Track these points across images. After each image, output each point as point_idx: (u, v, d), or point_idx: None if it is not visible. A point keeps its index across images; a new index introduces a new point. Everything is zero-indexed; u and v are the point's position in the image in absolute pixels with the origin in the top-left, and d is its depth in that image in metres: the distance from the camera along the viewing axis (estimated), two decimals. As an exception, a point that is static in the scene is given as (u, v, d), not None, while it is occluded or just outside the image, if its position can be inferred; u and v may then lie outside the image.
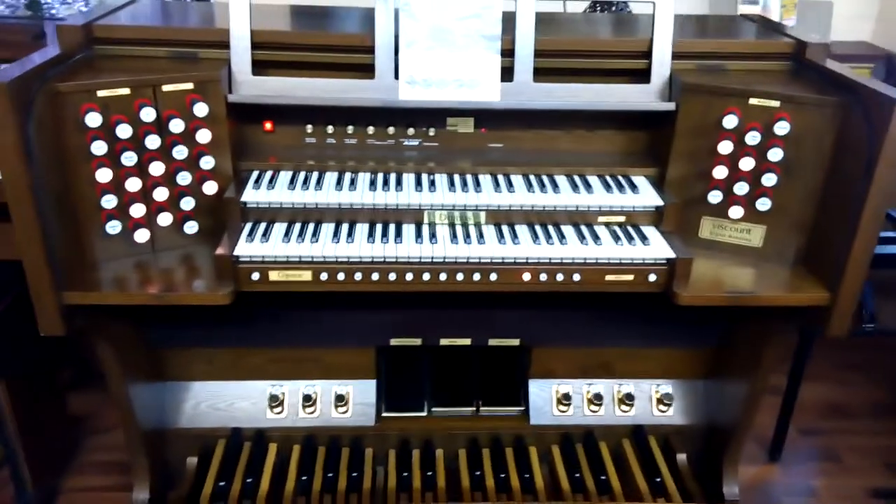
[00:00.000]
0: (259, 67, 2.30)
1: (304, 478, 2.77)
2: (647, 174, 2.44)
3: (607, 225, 2.32)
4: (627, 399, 2.99)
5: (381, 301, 2.58)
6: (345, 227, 2.24)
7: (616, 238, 2.24)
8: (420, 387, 3.04)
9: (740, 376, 2.73)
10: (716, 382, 2.90)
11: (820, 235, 2.23)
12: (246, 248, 2.11)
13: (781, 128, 2.11)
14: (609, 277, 2.18)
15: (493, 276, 2.16)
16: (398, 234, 2.21)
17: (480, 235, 2.22)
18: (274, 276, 2.12)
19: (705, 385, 2.97)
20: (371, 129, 2.47)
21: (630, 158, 2.50)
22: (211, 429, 2.85)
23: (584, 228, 2.29)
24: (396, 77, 2.30)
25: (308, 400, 2.91)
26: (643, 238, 2.24)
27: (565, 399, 3.01)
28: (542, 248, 2.18)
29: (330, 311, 2.64)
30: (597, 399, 3.01)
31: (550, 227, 2.30)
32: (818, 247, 2.24)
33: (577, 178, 2.41)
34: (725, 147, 2.19)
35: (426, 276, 2.15)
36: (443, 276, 2.16)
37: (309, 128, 2.46)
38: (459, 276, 2.16)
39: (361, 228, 2.24)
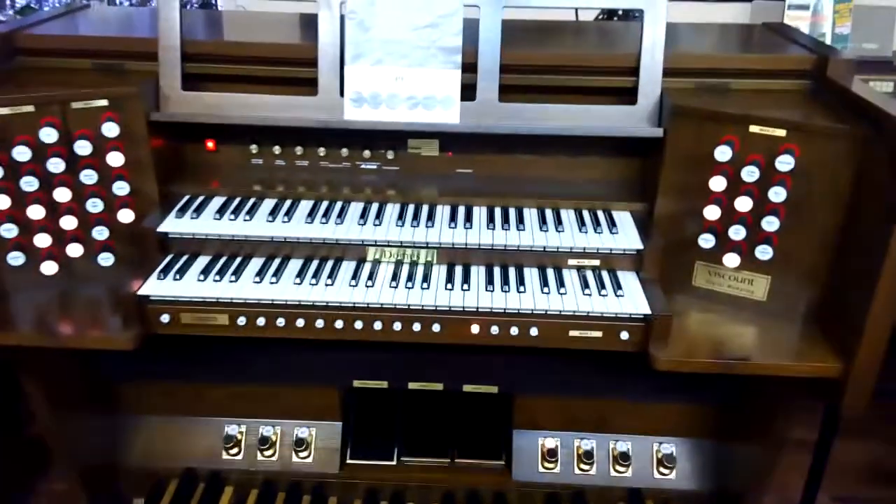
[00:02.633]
0: (192, 81, 2.06)
1: (252, 530, 2.51)
2: (633, 209, 2.09)
3: (579, 269, 1.99)
4: (623, 459, 2.63)
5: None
6: (275, 264, 1.97)
7: (585, 286, 1.90)
8: (390, 433, 2.75)
9: (753, 438, 2.34)
10: (725, 443, 2.51)
11: (835, 291, 1.84)
12: (155, 287, 1.87)
13: (785, 162, 1.74)
14: (573, 333, 1.85)
15: (436, 328, 1.86)
16: (332, 274, 1.93)
17: (426, 279, 1.92)
18: (187, 318, 1.87)
19: (713, 446, 2.58)
20: (322, 151, 2.20)
21: (616, 190, 2.16)
22: (164, 468, 2.63)
23: (550, 273, 1.96)
24: (342, 94, 2.02)
25: (266, 442, 2.66)
26: (617, 287, 1.89)
27: (552, 455, 2.66)
28: (494, 296, 1.86)
29: (291, 347, 2.38)
30: (587, 457, 2.65)
31: (512, 270, 1.98)
32: (833, 305, 1.85)
33: (549, 213, 2.08)
34: (718, 183, 1.83)
35: (358, 325, 1.87)
36: (377, 325, 1.87)
37: (254, 148, 2.21)
38: (397, 326, 1.86)
39: (294, 266, 1.97)
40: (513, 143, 2.18)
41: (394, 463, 2.70)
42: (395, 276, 1.93)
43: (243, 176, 2.22)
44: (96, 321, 1.89)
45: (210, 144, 2.23)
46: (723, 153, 1.79)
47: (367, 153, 2.21)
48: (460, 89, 2.02)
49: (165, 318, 1.86)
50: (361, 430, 2.75)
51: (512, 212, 2.09)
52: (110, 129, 1.88)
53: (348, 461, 2.67)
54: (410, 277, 1.92)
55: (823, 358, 1.80)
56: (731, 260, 1.88)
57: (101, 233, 1.95)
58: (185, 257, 1.99)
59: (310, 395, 2.60)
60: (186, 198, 2.11)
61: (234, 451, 2.70)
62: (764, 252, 1.82)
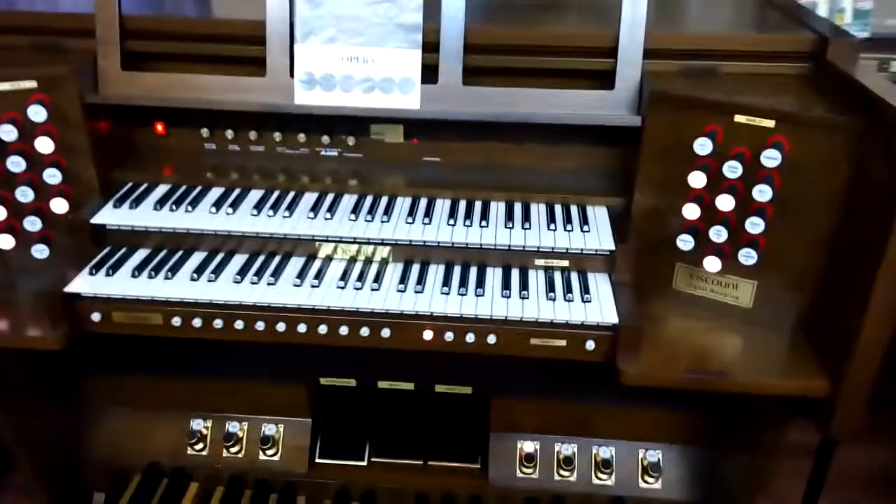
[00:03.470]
0: (134, 60, 1.91)
1: (213, 531, 2.40)
2: (610, 204, 1.91)
3: (547, 270, 1.82)
4: (604, 466, 2.47)
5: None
6: (217, 260, 1.83)
7: (550, 290, 1.73)
8: (361, 432, 2.62)
9: (746, 446, 2.18)
10: (716, 452, 2.35)
11: (826, 300, 1.65)
12: (86, 284, 1.73)
13: (770, 157, 1.54)
14: (534, 342, 1.69)
15: (386, 333, 1.71)
16: (276, 271, 1.78)
17: (377, 279, 1.76)
18: (119, 317, 1.74)
19: (703, 454, 2.42)
20: (278, 136, 2.04)
21: (595, 182, 1.98)
22: (127, 463, 2.53)
23: (514, 274, 1.79)
24: (292, 75, 1.85)
25: (232, 439, 2.54)
26: (585, 291, 1.72)
27: (530, 459, 2.52)
28: (449, 300, 1.70)
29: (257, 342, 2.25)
30: (567, 463, 2.50)
31: (473, 270, 1.81)
32: (823, 315, 1.67)
33: (517, 207, 1.90)
34: (697, 179, 1.64)
35: (301, 328, 1.72)
36: (322, 329, 1.72)
37: (205, 132, 2.05)
38: (343, 330, 1.72)
39: (237, 262, 1.83)
40: (484, 130, 2.00)
41: (364, 463, 2.57)
42: (344, 276, 1.77)
43: (195, 162, 2.07)
44: (25, 318, 1.77)
45: (159, 128, 2.09)
46: (702, 146, 1.60)
47: (325, 139, 2.05)
48: (421, 71, 1.84)
49: (96, 316, 1.74)
50: (332, 428, 2.62)
51: (477, 206, 1.92)
52: (37, 113, 1.74)
53: (317, 460, 2.55)
54: (361, 277, 1.77)
55: (810, 375, 1.62)
56: (712, 264, 1.70)
57: (33, 223, 1.82)
58: (122, 251, 1.86)
59: (278, 391, 2.48)
60: (129, 186, 1.97)
61: (199, 446, 2.59)
62: (747, 256, 1.64)
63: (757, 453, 2.12)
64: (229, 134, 2.06)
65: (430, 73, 1.86)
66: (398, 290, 1.73)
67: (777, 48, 1.81)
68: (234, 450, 2.58)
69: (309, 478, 2.50)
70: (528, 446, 2.56)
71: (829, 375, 1.61)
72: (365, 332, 1.71)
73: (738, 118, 1.61)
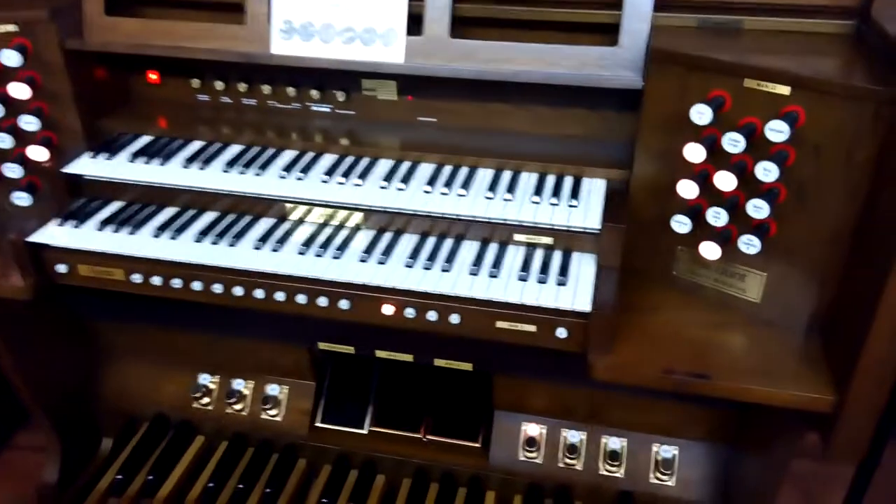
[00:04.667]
0: (118, 5, 1.84)
1: (210, 485, 2.41)
2: (610, 176, 1.71)
3: (529, 246, 1.64)
4: (612, 458, 2.31)
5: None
6: (186, 217, 1.76)
7: (524, 269, 1.57)
8: (364, 400, 2.55)
9: (773, 447, 1.96)
10: (740, 451, 2.13)
11: (845, 302, 1.41)
12: (52, 235, 1.70)
13: (778, 130, 1.30)
14: (501, 325, 1.54)
15: (344, 304, 1.60)
16: (241, 233, 1.70)
17: (342, 246, 1.65)
18: (84, 270, 1.71)
19: (724, 453, 2.20)
20: (267, 89, 1.94)
21: (598, 151, 1.78)
22: (135, 410, 2.56)
23: (490, 250, 1.64)
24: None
25: (236, 395, 2.53)
26: (562, 273, 1.55)
27: (533, 443, 2.38)
28: (411, 274, 1.57)
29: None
30: (572, 451, 2.35)
31: (447, 243, 1.67)
32: (840, 318, 1.42)
33: (505, 176, 1.73)
34: (694, 153, 1.42)
35: (259, 293, 1.64)
36: (280, 296, 1.63)
37: (195, 82, 1.97)
38: (301, 298, 1.62)
39: (204, 220, 1.76)
40: (482, 90, 1.83)
41: (364, 431, 2.51)
42: (309, 241, 1.67)
43: (188, 114, 2.00)
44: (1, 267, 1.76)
45: (153, 77, 2.02)
46: (700, 114, 1.38)
47: (315, 94, 1.93)
48: (407, 21, 1.68)
49: (62, 268, 1.71)
50: (334, 394, 2.57)
51: (462, 172, 1.76)
52: (10, 58, 1.70)
53: (317, 424, 2.50)
54: (326, 243, 1.66)
55: (814, 385, 1.40)
56: (709, 250, 1.48)
57: (13, 171, 1.81)
58: (97, 202, 1.82)
59: (284, 352, 2.43)
60: (115, 136, 1.92)
61: (205, 400, 2.59)
62: (749, 245, 1.41)
63: (785, 455, 1.89)
64: (219, 85, 1.98)
65: (416, 24, 1.69)
66: (360, 260, 1.61)
67: (812, 0, 1.53)
68: (237, 406, 2.56)
69: (308, 440, 2.45)
70: (533, 429, 2.42)
71: (835, 387, 1.37)
72: (322, 301, 1.61)
73: (748, 83, 1.37)
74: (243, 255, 1.64)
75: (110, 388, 2.52)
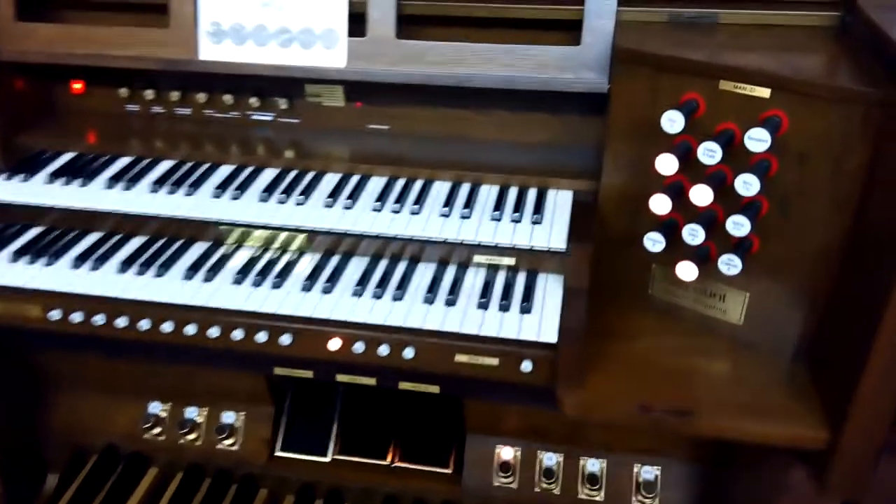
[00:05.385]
0: (32, 9, 1.65)
1: (162, 518, 2.24)
2: (576, 187, 1.56)
3: (490, 268, 1.49)
4: (591, 482, 2.16)
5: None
6: (109, 244, 1.58)
7: (484, 295, 1.41)
8: (326, 427, 2.39)
9: (751, 468, 1.83)
10: (719, 470, 2.00)
11: (833, 325, 1.27)
12: (-43, 268, 1.52)
13: (758, 138, 1.15)
14: (460, 358, 1.38)
15: (286, 339, 1.43)
16: (169, 261, 1.53)
17: (283, 274, 1.48)
18: (-4, 307, 1.52)
19: (708, 473, 2.06)
20: (202, 97, 1.77)
21: (564, 160, 1.63)
22: (83, 443, 2.38)
23: (447, 273, 1.48)
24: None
25: (190, 425, 2.35)
26: (526, 298, 1.39)
27: (507, 467, 2.23)
28: (359, 304, 1.41)
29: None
30: (549, 475, 2.20)
31: (401, 266, 1.51)
32: (829, 343, 1.28)
33: (463, 190, 1.58)
34: (666, 164, 1.27)
35: (190, 329, 1.47)
36: (213, 332, 1.46)
37: (124, 91, 1.79)
38: (237, 334, 1.45)
39: (131, 246, 1.58)
40: (438, 93, 1.67)
41: (327, 459, 2.34)
42: (246, 268, 1.50)
43: (116, 126, 1.83)
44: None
45: (77, 86, 1.84)
46: (671, 121, 1.22)
47: (255, 101, 1.76)
48: (348, 21, 1.51)
49: (-29, 305, 1.52)
50: (295, 420, 2.40)
51: (416, 186, 1.60)
52: None
53: (277, 453, 2.33)
54: (265, 271, 1.49)
55: (805, 420, 1.26)
56: (686, 271, 1.33)
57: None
58: (12, 230, 1.63)
59: (238, 377, 2.26)
60: (35, 153, 1.74)
61: (157, 430, 2.41)
62: (729, 265, 1.26)
63: (774, 477, 1.75)
64: (149, 94, 1.80)
65: (358, 23, 1.53)
66: (302, 289, 1.44)
67: (793, -9, 1.39)
68: (191, 436, 2.39)
69: (268, 470, 2.29)
70: (507, 453, 2.26)
71: (828, 422, 1.23)
72: (261, 337, 1.44)
73: (724, 85, 1.22)
74: (171, 287, 1.47)
75: (56, 420, 2.35)
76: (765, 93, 1.20)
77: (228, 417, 2.40)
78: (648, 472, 2.16)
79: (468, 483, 2.18)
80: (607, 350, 1.45)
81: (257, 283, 1.48)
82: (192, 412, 2.38)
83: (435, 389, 2.15)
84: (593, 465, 2.21)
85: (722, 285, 1.41)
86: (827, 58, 1.28)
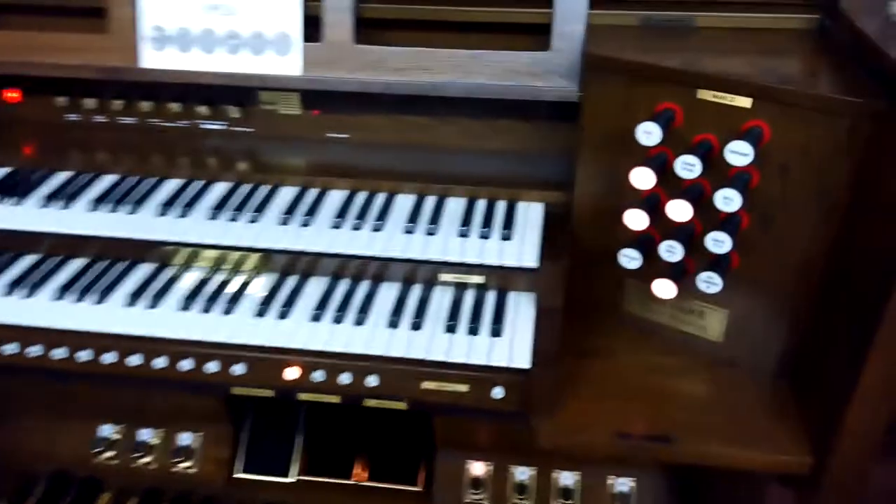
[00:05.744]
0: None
1: (116, 550, 2.12)
2: (548, 199, 1.48)
3: (458, 287, 1.40)
4: (566, 496, 2.09)
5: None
6: (46, 267, 1.46)
7: (452, 317, 1.33)
8: (288, 446, 2.28)
9: (730, 479, 1.77)
10: (696, 481, 1.95)
11: (817, 343, 1.21)
12: None
13: (739, 151, 1.08)
14: (427, 385, 1.30)
15: (239, 369, 1.33)
16: (112, 285, 1.41)
17: (235, 299, 1.38)
18: (-81, 339, 1.39)
19: (680, 483, 2.01)
20: (147, 106, 1.64)
21: (534, 170, 1.55)
22: (32, 468, 2.25)
23: (413, 294, 1.39)
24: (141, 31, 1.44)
25: (144, 448, 2.23)
26: (497, 320, 1.31)
27: (479, 484, 2.15)
28: (317, 329, 1.31)
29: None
30: (521, 490, 2.13)
31: (363, 287, 1.41)
32: (812, 363, 1.22)
33: (428, 203, 1.49)
34: (642, 178, 1.19)
35: (134, 360, 1.36)
36: (160, 362, 1.36)
37: (62, 100, 1.66)
38: (186, 365, 1.35)
39: (70, 269, 1.46)
40: (401, 100, 1.57)
41: (290, 480, 2.24)
42: (194, 293, 1.39)
43: (56, 138, 1.69)
44: None
45: (13, 95, 1.70)
46: (647, 133, 1.14)
47: (204, 110, 1.64)
48: (303, 25, 1.41)
49: None
50: (256, 440, 2.29)
51: (378, 201, 1.50)
52: None
53: (238, 475, 2.22)
54: (215, 295, 1.38)
55: (789, 445, 1.20)
56: (664, 289, 1.26)
57: None
58: (-62, 253, 1.50)
59: (194, 398, 2.14)
60: (-37, 169, 1.60)
61: (109, 454, 2.28)
62: (709, 283, 1.20)
63: (754, 489, 1.70)
64: (90, 103, 1.68)
65: (313, 28, 1.43)
66: (256, 314, 1.34)
67: (772, -6, 1.33)
68: (146, 459, 2.26)
69: (228, 493, 2.18)
70: (478, 468, 2.19)
71: (814, 448, 1.17)
72: (212, 367, 1.34)
73: (703, 94, 1.15)
74: (113, 314, 1.36)
75: (0, 447, 2.21)
76: (746, 102, 1.13)
77: (185, 439, 2.28)
78: (623, 485, 2.10)
79: (438, 501, 2.11)
80: (581, 370, 1.38)
81: (207, 309, 1.37)
82: (145, 434, 2.26)
83: (402, 406, 2.06)
84: (567, 478, 2.14)
85: (700, 302, 1.35)
86: (809, 64, 1.22)
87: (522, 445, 2.07)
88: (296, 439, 2.29)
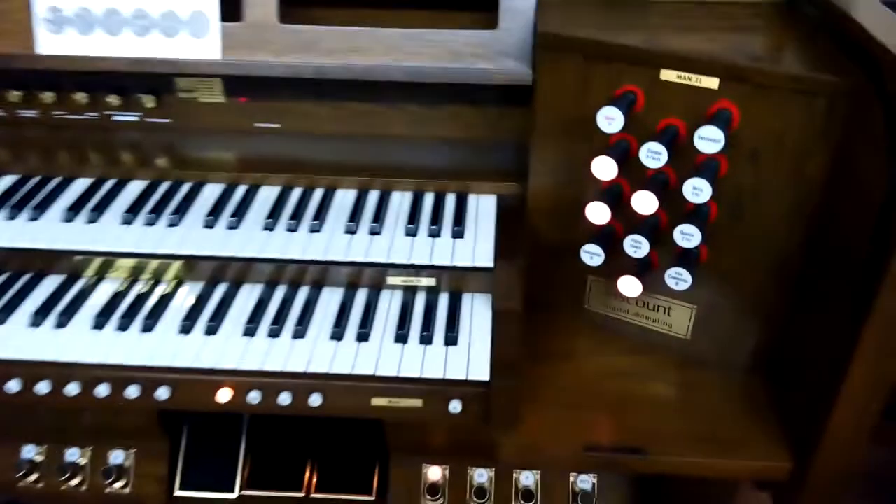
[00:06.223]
0: None
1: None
2: (502, 191, 1.36)
3: (407, 290, 1.28)
4: (526, 497, 1.99)
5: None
6: (-66, 284, 1.27)
7: (402, 325, 1.20)
8: (231, 459, 2.12)
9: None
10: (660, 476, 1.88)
11: (792, 337, 1.13)
12: None
13: (709, 137, 0.98)
14: (377, 402, 1.17)
15: (163, 393, 1.19)
16: (12, 304, 1.24)
17: (155, 313, 1.22)
18: None
19: (644, 479, 1.94)
20: (50, 97, 1.46)
21: (486, 159, 1.43)
22: (-56, 496, 2.03)
23: (359, 298, 1.27)
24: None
25: (72, 469, 2.03)
26: (451, 326, 1.19)
27: (435, 490, 2.03)
28: (250, 345, 1.17)
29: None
30: (480, 494, 2.01)
31: (302, 293, 1.28)
32: (788, 358, 1.14)
33: (371, 198, 1.36)
34: (603, 168, 1.08)
35: (43, 388, 1.20)
36: (72, 389, 1.20)
37: (-52, 91, 1.47)
38: (102, 391, 1.19)
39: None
40: (338, 84, 1.42)
41: (234, 496, 2.08)
42: (108, 308, 1.22)
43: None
44: None
45: None
46: (609, 120, 1.03)
47: (115, 100, 1.46)
48: (220, 3, 1.25)
49: None
50: (195, 454, 2.12)
51: (315, 197, 1.36)
52: None
53: (177, 493, 2.05)
54: (133, 310, 1.22)
55: (767, 449, 1.11)
56: (629, 286, 1.16)
57: None
58: None
59: (123, 412, 1.96)
60: None
61: (33, 478, 2.08)
62: (678, 279, 1.10)
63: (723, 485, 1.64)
64: (-16, 93, 1.48)
65: (235, 6, 1.27)
66: (181, 331, 1.19)
67: (733, -37, 1.22)
68: (74, 481, 2.07)
69: (167, 513, 2.01)
70: (434, 473, 2.07)
71: (792, 450, 1.09)
72: (132, 392, 1.18)
73: (666, 74, 1.05)
74: (16, 336, 1.19)
75: None
76: (712, 83, 1.03)
77: (116, 457, 2.10)
78: (585, 482, 2.01)
79: (395, 508, 1.98)
80: (543, 375, 1.28)
81: (124, 327, 1.21)
82: (73, 454, 2.07)
83: (352, 412, 1.94)
84: (527, 478, 2.04)
85: (666, 298, 1.25)
86: (778, 40, 1.12)
87: (481, 446, 1.97)
88: (239, 450, 2.13)
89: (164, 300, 1.27)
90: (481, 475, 2.03)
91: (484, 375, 1.13)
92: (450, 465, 2.01)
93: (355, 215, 1.33)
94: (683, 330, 1.28)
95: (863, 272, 0.94)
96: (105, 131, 1.53)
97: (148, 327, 1.22)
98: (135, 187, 1.40)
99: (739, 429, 1.18)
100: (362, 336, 1.21)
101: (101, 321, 1.22)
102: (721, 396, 1.23)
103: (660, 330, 1.30)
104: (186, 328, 1.22)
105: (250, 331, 1.21)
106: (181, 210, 1.33)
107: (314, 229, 1.30)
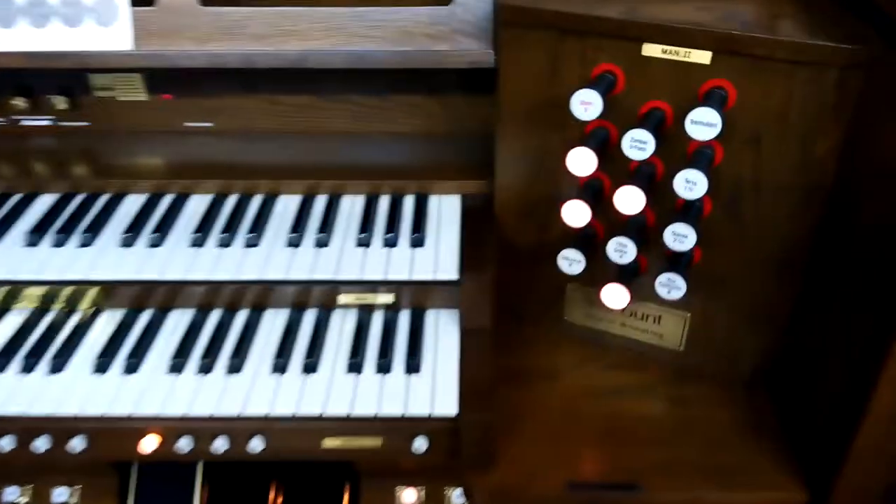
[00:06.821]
0: None
1: None
2: (467, 189, 1.19)
3: (362, 309, 1.11)
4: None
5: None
6: None
7: (355, 351, 1.03)
8: (187, 485, 1.93)
9: None
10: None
11: (801, 349, 0.98)
12: None
13: (702, 121, 0.82)
14: (330, 444, 1.00)
15: (78, 444, 1.02)
16: None
17: (67, 350, 1.04)
18: None
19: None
20: (-56, 101, 1.26)
21: (447, 155, 1.26)
22: None
23: (306, 321, 1.10)
24: None
25: (11, 509, 1.83)
26: (412, 351, 1.03)
27: (409, 511, 1.86)
28: (177, 384, 0.99)
29: None
30: (458, 513, 1.84)
31: (240, 318, 1.11)
32: (797, 373, 0.99)
33: (318, 204, 1.19)
34: (580, 161, 0.92)
35: (-70, 445, 1.00)
36: (-34, 445, 1.00)
37: None
38: (6, 444, 1.02)
39: None
40: (275, 76, 1.24)
41: (192, 527, 1.89)
42: (12, 345, 1.04)
43: None
44: None
45: None
46: (584, 105, 0.87)
47: (21, 102, 1.27)
48: (130, -15, 1.07)
49: None
50: (147, 486, 1.93)
51: (253, 205, 1.19)
52: None
53: (129, 527, 1.86)
54: (41, 347, 1.04)
55: (777, 477, 0.97)
56: (613, 297, 1.00)
57: None
58: None
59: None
60: None
61: (-31, 520, 1.88)
62: (669, 286, 0.95)
63: None
64: None
65: (145, -11, 1.09)
66: (96, 370, 1.02)
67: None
68: (15, 524, 1.87)
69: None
70: (409, 495, 1.90)
71: (805, 481, 0.95)
72: (41, 444, 1.01)
73: (649, 49, 0.89)
74: None
75: None
76: (704, 58, 0.88)
77: (60, 495, 1.90)
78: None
79: (368, 535, 1.82)
80: (520, 400, 1.12)
81: (29, 367, 1.04)
82: (12, 493, 1.87)
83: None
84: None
85: (656, 305, 1.10)
86: (777, 6, 0.97)
87: (459, 466, 1.81)
88: (195, 476, 1.95)
89: (79, 332, 1.09)
90: (458, 496, 1.87)
91: (452, 408, 0.97)
92: (426, 487, 1.84)
93: (299, 225, 1.16)
94: (676, 341, 1.13)
95: (890, 271, 0.79)
96: (13, 138, 1.34)
97: (57, 367, 1.04)
98: (44, 202, 1.22)
99: (744, 454, 1.03)
100: (309, 367, 1.04)
101: (2, 361, 1.04)
102: (721, 416, 1.08)
103: (650, 341, 1.15)
104: (102, 366, 1.04)
105: (177, 366, 1.04)
106: (95, 227, 1.15)
107: (251, 243, 1.13)
